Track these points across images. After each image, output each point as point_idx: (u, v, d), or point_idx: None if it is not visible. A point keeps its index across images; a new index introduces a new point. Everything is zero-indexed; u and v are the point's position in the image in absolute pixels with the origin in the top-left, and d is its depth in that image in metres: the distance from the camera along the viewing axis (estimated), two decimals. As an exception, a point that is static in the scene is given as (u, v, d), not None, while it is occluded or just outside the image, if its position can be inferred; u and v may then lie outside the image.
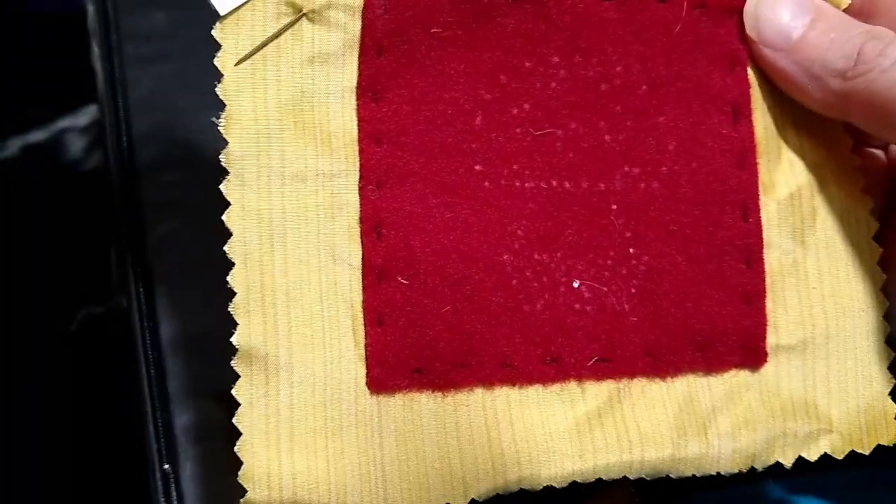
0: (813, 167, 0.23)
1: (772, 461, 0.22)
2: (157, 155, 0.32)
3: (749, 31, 0.23)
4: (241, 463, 0.21)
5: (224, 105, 0.20)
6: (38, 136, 0.86)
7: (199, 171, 0.31)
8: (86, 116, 0.86)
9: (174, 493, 0.27)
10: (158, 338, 0.29)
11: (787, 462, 0.23)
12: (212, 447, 0.27)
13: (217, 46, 0.20)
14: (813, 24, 0.22)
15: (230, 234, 0.20)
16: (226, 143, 0.21)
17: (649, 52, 0.22)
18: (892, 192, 0.26)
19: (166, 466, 0.27)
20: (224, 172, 0.21)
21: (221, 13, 0.20)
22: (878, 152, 0.27)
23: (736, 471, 0.22)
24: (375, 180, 0.21)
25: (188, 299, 0.30)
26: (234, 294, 0.20)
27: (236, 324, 0.21)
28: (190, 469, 0.27)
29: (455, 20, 0.21)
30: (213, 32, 0.20)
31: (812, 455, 0.23)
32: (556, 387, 0.21)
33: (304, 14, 0.20)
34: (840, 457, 0.23)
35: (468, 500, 0.21)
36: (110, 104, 0.33)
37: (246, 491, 0.20)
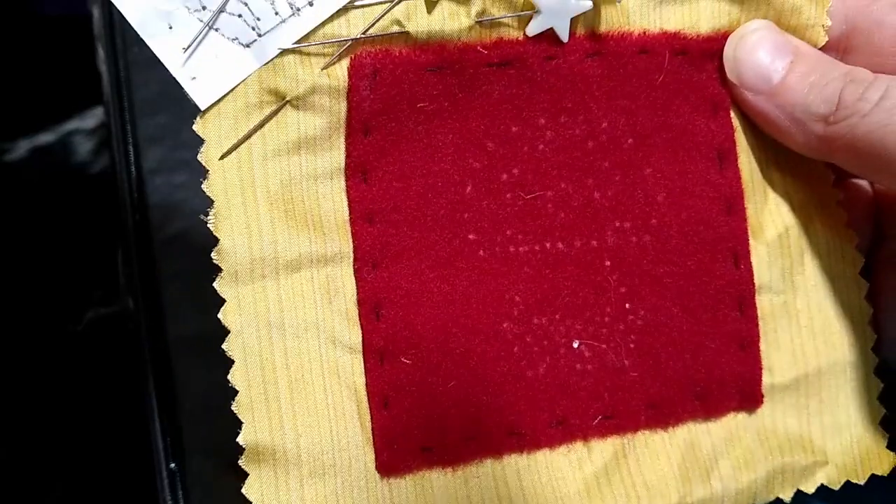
0: (798, 207, 0.23)
1: (772, 497, 0.23)
2: (164, 157, 0.32)
3: (729, 74, 0.23)
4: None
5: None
6: (46, 138, 0.87)
7: (205, 173, 0.32)
8: (93, 118, 0.87)
9: (180, 492, 0.27)
10: (165, 338, 0.29)
11: (787, 496, 0.23)
12: (218, 446, 0.27)
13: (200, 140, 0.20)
14: (792, 66, 0.22)
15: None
16: None
17: (633, 105, 0.22)
18: (878, 222, 0.26)
19: (172, 465, 0.27)
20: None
21: (202, 107, 0.19)
22: (863, 183, 0.27)
23: None
24: (371, 261, 0.21)
25: (194, 300, 0.30)
26: (235, 392, 0.20)
27: None
28: (195, 468, 0.27)
29: (440, 93, 0.21)
30: (195, 128, 0.20)
31: (809, 488, 0.23)
32: (563, 448, 0.21)
33: (288, 101, 0.20)
34: (836, 487, 0.23)
35: None
36: (116, 107, 0.34)
37: None
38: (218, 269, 0.20)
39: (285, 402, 0.20)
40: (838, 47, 0.23)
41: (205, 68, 0.19)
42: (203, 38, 0.19)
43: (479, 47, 0.21)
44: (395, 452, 0.20)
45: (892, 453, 0.24)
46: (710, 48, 0.22)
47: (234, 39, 0.20)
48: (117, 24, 0.35)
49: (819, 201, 0.24)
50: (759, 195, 0.23)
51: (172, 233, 0.31)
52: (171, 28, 0.19)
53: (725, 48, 0.23)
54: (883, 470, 0.23)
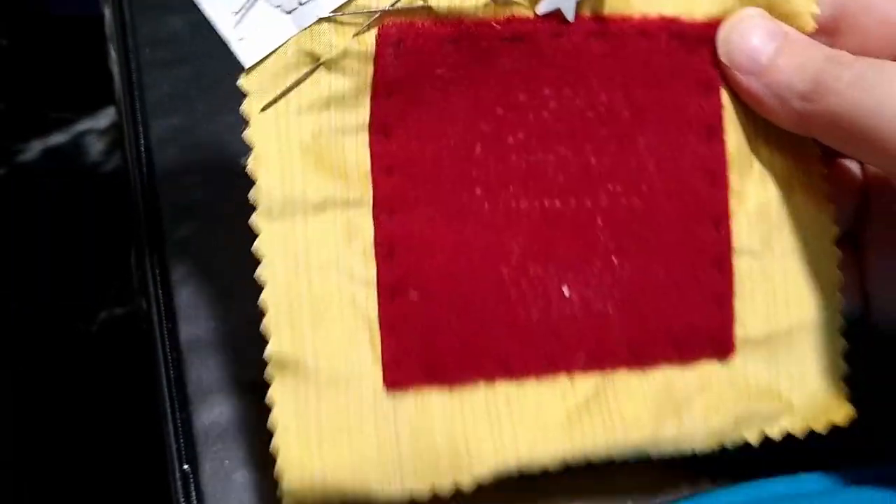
0: (782, 178, 0.25)
1: (740, 440, 0.25)
2: (176, 157, 0.32)
3: (722, 57, 0.25)
4: (265, 460, 0.23)
5: (249, 148, 0.23)
6: (58, 138, 0.87)
7: (218, 174, 0.32)
8: (105, 119, 0.87)
9: (193, 493, 0.27)
10: (178, 338, 0.29)
11: (754, 440, 0.25)
12: (231, 447, 0.27)
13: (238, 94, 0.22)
14: (780, 49, 0.24)
15: (251, 239, 0.23)
16: (244, 147, 0.22)
17: (631, 82, 0.24)
18: (864, 204, 0.28)
19: (186, 467, 0.27)
20: (241, 177, 0.22)
21: (247, 65, 0.22)
22: (853, 165, 0.28)
23: (709, 449, 0.25)
24: (388, 208, 0.23)
25: (207, 300, 0.30)
26: (263, 314, 0.23)
27: (256, 325, 0.23)
28: (209, 469, 0.27)
29: (457, 62, 0.23)
30: (239, 83, 0.22)
31: (775, 433, 0.25)
32: (548, 380, 0.24)
33: (322, 63, 0.23)
34: (800, 435, 0.25)
35: (473, 478, 0.23)
36: (128, 108, 0.34)
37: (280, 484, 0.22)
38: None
39: (307, 324, 0.23)
40: (828, 30, 0.25)
41: (251, 31, 0.22)
42: (252, 4, 0.22)
43: (493, 23, 0.23)
44: (401, 371, 0.23)
45: (850, 406, 0.26)
46: (705, 33, 0.25)
47: (278, 6, 0.22)
48: (129, 25, 0.35)
49: (803, 174, 0.26)
50: (744, 166, 0.25)
51: (185, 233, 0.31)
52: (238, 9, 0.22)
53: (719, 32, 0.25)
54: (841, 420, 0.26)
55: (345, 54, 0.22)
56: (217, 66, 0.35)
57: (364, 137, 0.23)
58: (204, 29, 0.34)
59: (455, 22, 0.23)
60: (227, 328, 0.29)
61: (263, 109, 0.22)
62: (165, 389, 0.29)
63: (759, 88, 0.24)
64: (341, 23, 0.22)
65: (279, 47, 0.22)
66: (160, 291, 0.30)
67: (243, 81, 0.22)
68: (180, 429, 0.28)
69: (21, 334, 0.71)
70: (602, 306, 0.24)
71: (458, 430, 0.23)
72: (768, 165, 0.25)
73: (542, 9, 0.23)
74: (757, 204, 0.25)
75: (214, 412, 0.28)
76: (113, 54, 0.36)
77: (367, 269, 0.23)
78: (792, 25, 0.25)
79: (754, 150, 0.25)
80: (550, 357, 0.24)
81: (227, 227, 0.31)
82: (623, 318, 0.24)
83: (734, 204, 0.25)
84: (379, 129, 0.23)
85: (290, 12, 0.22)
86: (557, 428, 0.24)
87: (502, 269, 0.24)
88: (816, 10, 0.24)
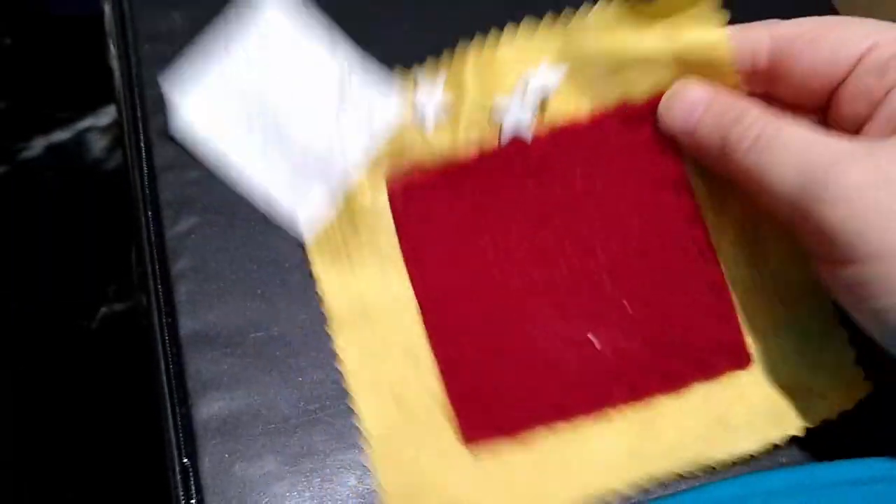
0: (751, 209, 0.29)
1: (785, 436, 0.27)
2: (176, 153, 0.32)
3: (663, 124, 0.29)
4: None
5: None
6: (61, 135, 0.88)
7: (217, 170, 0.32)
8: (107, 116, 0.87)
9: (193, 487, 0.27)
10: (177, 333, 0.29)
11: (799, 432, 0.27)
12: (230, 441, 0.27)
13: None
14: (707, 110, 0.28)
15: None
16: None
17: (599, 164, 0.29)
18: None
19: (185, 460, 0.27)
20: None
21: (306, 237, 0.30)
22: None
23: (762, 450, 0.27)
24: (432, 309, 0.29)
25: (207, 295, 0.30)
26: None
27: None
28: (208, 462, 0.27)
29: (451, 194, 0.29)
30: (309, 252, 0.30)
31: (815, 421, 0.27)
32: (599, 416, 0.27)
33: (354, 216, 0.29)
34: (833, 417, 0.28)
35: None
36: (128, 103, 0.34)
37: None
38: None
39: (392, 406, 0.28)
40: (769, 79, 0.28)
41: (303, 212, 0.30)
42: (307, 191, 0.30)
43: (468, 159, 0.29)
44: (476, 430, 0.27)
45: (869, 382, 0.28)
46: (648, 109, 0.29)
47: (320, 189, 0.30)
48: (129, 21, 0.35)
49: None
50: (716, 206, 0.29)
51: (185, 229, 0.31)
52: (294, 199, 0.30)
53: (659, 106, 0.29)
54: (862, 395, 0.28)
55: (371, 205, 0.29)
56: (217, 62, 0.35)
57: (401, 261, 0.29)
58: (202, 24, 0.34)
59: (442, 167, 0.29)
60: (227, 322, 0.30)
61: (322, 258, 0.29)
62: (165, 384, 0.29)
63: (692, 145, 0.28)
64: (361, 185, 0.29)
65: (325, 216, 0.30)
66: (160, 286, 0.31)
67: (311, 251, 0.30)
68: (180, 423, 0.28)
69: (22, 330, 0.72)
70: (627, 345, 0.28)
71: (532, 473, 0.27)
72: (737, 201, 0.29)
73: (503, 140, 0.29)
74: (735, 233, 0.29)
75: (214, 406, 0.28)
76: (113, 50, 0.36)
77: (428, 354, 0.28)
78: (724, 83, 0.28)
79: (721, 191, 0.29)
80: (595, 395, 0.28)
81: (227, 223, 0.32)
82: (648, 351, 0.28)
83: (716, 237, 0.29)
84: (409, 254, 0.29)
85: (328, 191, 0.30)
86: (622, 457, 0.27)
87: (534, 331, 0.28)
88: (735, 66, 0.28)
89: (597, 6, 0.29)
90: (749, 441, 0.27)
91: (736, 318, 0.29)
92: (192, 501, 0.27)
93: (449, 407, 0.28)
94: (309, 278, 0.30)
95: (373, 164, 0.29)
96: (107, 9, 0.36)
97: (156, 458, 0.29)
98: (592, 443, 0.27)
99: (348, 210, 0.29)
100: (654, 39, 0.28)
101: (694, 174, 0.29)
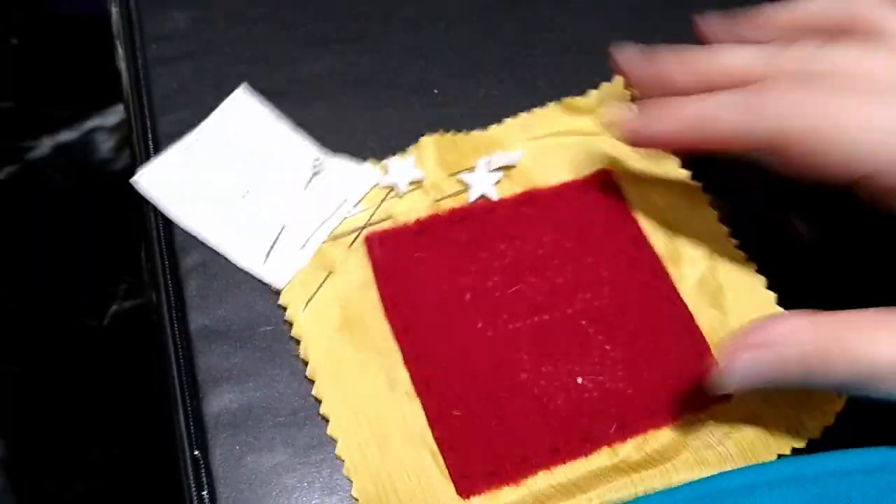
0: (705, 257, 0.32)
1: (775, 456, 0.28)
2: (183, 152, 0.33)
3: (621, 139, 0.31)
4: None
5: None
6: (68, 135, 0.88)
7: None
8: (114, 116, 0.88)
9: (204, 479, 0.27)
10: (188, 328, 0.30)
11: (800, 445, 0.28)
12: (241, 433, 0.28)
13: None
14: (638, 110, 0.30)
15: None
16: None
17: (563, 224, 0.32)
18: None
19: (196, 452, 0.28)
20: None
21: (279, 287, 0.30)
22: None
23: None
24: (414, 356, 0.29)
25: (216, 290, 0.30)
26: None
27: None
28: (219, 454, 0.27)
29: (427, 245, 0.31)
30: (280, 301, 0.30)
31: (800, 443, 0.28)
32: (594, 456, 0.28)
33: (331, 272, 0.31)
34: (818, 435, 0.28)
35: None
36: (136, 103, 0.34)
37: None
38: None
39: (378, 459, 0.28)
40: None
41: (276, 265, 0.31)
42: (273, 247, 0.31)
43: (442, 215, 0.32)
44: (469, 480, 0.27)
45: (838, 398, 0.28)
46: (599, 179, 0.33)
47: (293, 245, 0.31)
48: (135, 23, 0.35)
49: (721, 250, 0.32)
50: (675, 258, 0.32)
51: (193, 226, 0.31)
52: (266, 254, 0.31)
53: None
54: (835, 410, 0.28)
55: (347, 260, 0.31)
56: (222, 60, 0.36)
57: (380, 312, 0.30)
58: (207, 24, 0.34)
59: (417, 221, 0.32)
60: (236, 317, 0.30)
61: (304, 309, 0.30)
62: (176, 378, 0.29)
63: (625, 137, 0.30)
64: (338, 241, 0.31)
65: (301, 269, 0.31)
66: (170, 282, 0.31)
67: (282, 298, 0.30)
68: (191, 416, 0.28)
69: (32, 329, 0.72)
70: (613, 384, 0.29)
71: None
72: (693, 251, 0.32)
73: (471, 197, 0.32)
74: (695, 280, 0.31)
75: (224, 399, 0.28)
76: (120, 51, 0.36)
77: (412, 405, 0.28)
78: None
79: (676, 242, 0.32)
80: (587, 434, 0.28)
81: (234, 219, 0.32)
82: (634, 389, 0.29)
83: (680, 284, 0.31)
84: (389, 303, 0.30)
85: (302, 247, 0.31)
86: (617, 482, 0.27)
87: (521, 376, 0.29)
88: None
89: (545, 106, 0.35)
90: (741, 463, 0.28)
91: (711, 353, 0.30)
92: (204, 493, 0.27)
93: (439, 456, 0.28)
94: (315, 273, 0.30)
95: (347, 222, 0.32)
96: (114, 11, 0.37)
97: (167, 451, 0.29)
98: (587, 479, 0.27)
99: (322, 261, 0.31)
100: (589, 126, 0.34)
101: (652, 233, 0.32)
